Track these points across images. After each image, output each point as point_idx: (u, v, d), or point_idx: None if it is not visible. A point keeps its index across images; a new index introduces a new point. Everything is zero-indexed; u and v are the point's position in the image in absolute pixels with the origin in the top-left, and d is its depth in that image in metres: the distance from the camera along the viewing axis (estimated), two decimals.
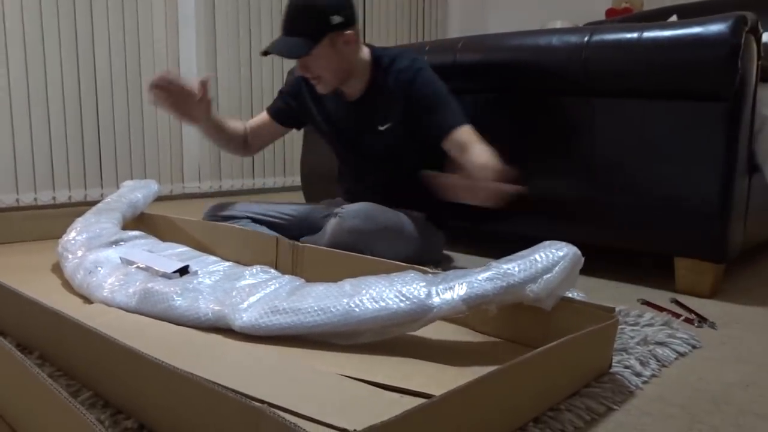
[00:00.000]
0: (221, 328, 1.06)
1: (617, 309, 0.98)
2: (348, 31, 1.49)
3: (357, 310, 0.96)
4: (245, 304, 1.05)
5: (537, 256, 0.97)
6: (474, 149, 1.44)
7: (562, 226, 1.63)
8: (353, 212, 1.44)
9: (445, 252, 1.82)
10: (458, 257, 1.83)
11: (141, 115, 3.01)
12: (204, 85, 1.51)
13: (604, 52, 1.49)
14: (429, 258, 1.64)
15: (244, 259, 1.47)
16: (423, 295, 0.95)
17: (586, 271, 1.01)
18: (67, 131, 2.78)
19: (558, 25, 3.54)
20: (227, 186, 3.36)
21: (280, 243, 1.45)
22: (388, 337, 0.98)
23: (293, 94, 1.73)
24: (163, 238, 1.65)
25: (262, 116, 1.78)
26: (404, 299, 0.95)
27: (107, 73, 2.88)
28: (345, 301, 0.98)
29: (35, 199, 2.70)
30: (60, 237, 1.51)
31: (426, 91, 1.52)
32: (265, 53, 1.48)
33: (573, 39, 1.54)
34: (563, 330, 0.94)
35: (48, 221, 1.93)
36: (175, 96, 1.50)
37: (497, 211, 1.80)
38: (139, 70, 2.98)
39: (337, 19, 1.45)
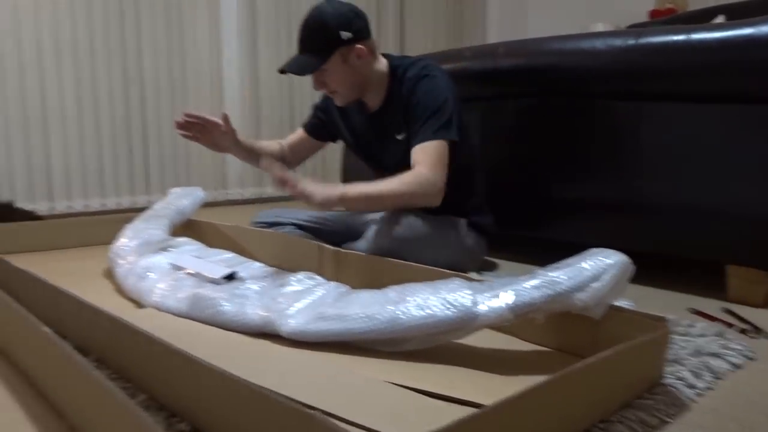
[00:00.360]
0: (268, 334, 1.08)
1: (668, 318, 0.96)
2: (359, 45, 1.50)
3: (403, 317, 0.97)
4: (292, 310, 1.07)
5: (585, 264, 0.95)
6: (413, 169, 1.44)
7: (607, 233, 1.60)
8: (395, 220, 1.45)
9: (487, 258, 1.81)
10: (500, 263, 1.82)
11: None
12: (226, 118, 1.59)
13: (651, 55, 1.46)
14: (471, 264, 1.63)
15: (288, 265, 1.49)
16: (469, 303, 0.95)
17: (632, 278, 0.99)
18: (116, 141, 2.87)
19: (599, 27, 3.48)
20: (269, 192, 3.41)
21: (323, 249, 1.46)
22: (434, 344, 0.98)
23: (323, 108, 1.76)
24: (210, 244, 1.69)
25: (298, 132, 1.82)
26: (450, 307, 0.95)
27: (154, 86, 2.96)
28: (391, 308, 0.98)
29: (86, 206, 2.80)
30: (110, 243, 1.56)
31: (417, 99, 1.51)
32: (282, 72, 1.52)
33: (618, 42, 1.52)
34: (612, 339, 0.93)
35: (98, 227, 1.99)
36: (202, 131, 1.60)
37: (541, 217, 1.79)
38: (183, 81, 3.06)
39: (346, 34, 1.48)
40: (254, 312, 1.09)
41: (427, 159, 1.45)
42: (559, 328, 1.04)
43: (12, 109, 2.60)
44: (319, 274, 1.37)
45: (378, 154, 1.68)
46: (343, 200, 1.37)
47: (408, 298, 0.99)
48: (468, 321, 0.94)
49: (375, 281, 1.29)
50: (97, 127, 2.81)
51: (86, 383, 0.71)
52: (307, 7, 1.52)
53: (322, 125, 1.78)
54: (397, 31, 3.94)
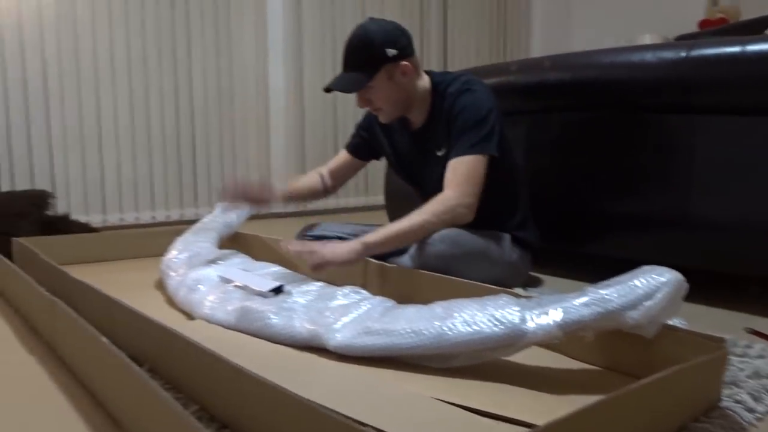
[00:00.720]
0: (315, 347, 1.09)
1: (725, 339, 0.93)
2: (404, 62, 1.51)
3: (450, 333, 0.96)
4: (339, 324, 1.08)
5: (637, 282, 0.93)
6: (440, 193, 1.44)
7: (656, 248, 1.57)
8: (439, 237, 1.44)
9: (531, 273, 1.79)
10: (546, 279, 1.79)
11: (233, 141, 3.17)
12: (265, 185, 1.66)
13: (704, 68, 1.43)
14: (516, 280, 1.61)
15: (333, 278, 1.50)
16: (517, 320, 0.94)
17: (686, 296, 0.96)
18: (166, 156, 2.97)
19: (647, 39, 3.42)
20: (312, 206, 3.45)
21: (367, 263, 1.47)
22: (481, 361, 0.97)
23: (366, 127, 1.77)
24: (256, 256, 1.72)
25: (341, 155, 1.82)
26: (498, 323, 0.94)
27: (202, 103, 3.06)
28: (437, 323, 0.98)
29: (137, 218, 2.89)
30: (161, 254, 1.60)
31: (458, 112, 1.51)
32: (327, 90, 1.54)
33: (669, 55, 1.49)
34: (665, 359, 0.91)
35: (149, 239, 2.05)
36: (247, 194, 1.66)
37: (588, 232, 1.76)
38: (231, 100, 3.15)
39: (392, 51, 1.49)
40: (301, 325, 1.11)
41: (455, 178, 1.45)
42: (610, 347, 1.02)
43: (69, 126, 2.72)
44: (364, 287, 1.37)
45: (419, 172, 1.68)
46: (367, 249, 1.39)
47: (455, 314, 0.99)
48: (516, 338, 0.93)
49: (420, 296, 1.29)
50: (148, 143, 2.92)
51: (143, 393, 0.73)
52: (351, 21, 1.55)
53: (365, 144, 1.78)
54: (440, 45, 3.95)
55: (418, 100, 1.58)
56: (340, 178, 1.84)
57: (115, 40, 2.79)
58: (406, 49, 1.52)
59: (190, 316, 1.31)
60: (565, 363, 1.06)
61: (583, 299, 0.93)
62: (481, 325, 0.95)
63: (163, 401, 0.68)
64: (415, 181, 1.73)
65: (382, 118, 1.61)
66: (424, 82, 1.59)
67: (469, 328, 0.96)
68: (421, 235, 1.44)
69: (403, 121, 1.65)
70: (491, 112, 1.50)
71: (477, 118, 1.49)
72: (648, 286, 0.92)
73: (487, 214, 1.51)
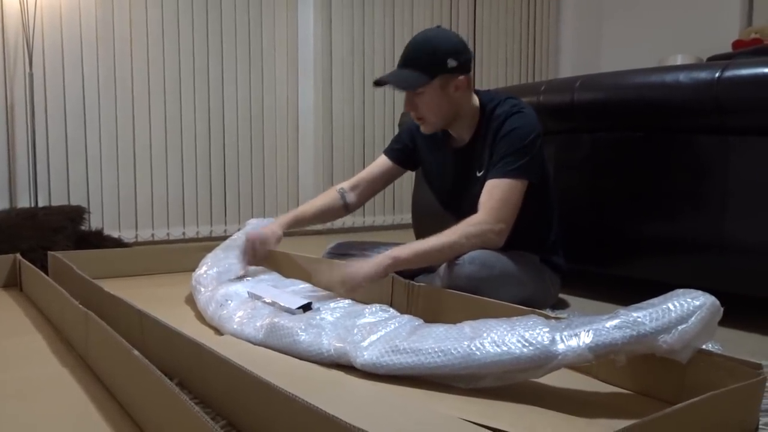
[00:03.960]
0: (342, 365, 1.09)
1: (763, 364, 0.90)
2: (461, 77, 1.50)
3: (478, 353, 0.95)
4: (366, 342, 1.07)
5: (670, 305, 0.92)
6: (473, 216, 1.44)
7: (690, 272, 1.54)
8: (469, 258, 1.43)
9: (560, 295, 1.76)
10: (574, 301, 1.77)
11: (262, 159, 3.22)
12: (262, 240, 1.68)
13: (739, 88, 1.41)
14: (543, 301, 1.59)
15: (361, 296, 1.50)
16: (547, 341, 0.93)
17: (720, 320, 0.94)
18: (197, 174, 3.04)
19: (679, 59, 3.39)
20: (339, 224, 3.47)
21: (395, 281, 1.47)
22: (510, 382, 0.96)
23: (410, 134, 1.74)
24: (284, 273, 1.73)
25: (380, 161, 1.78)
26: (527, 344, 0.93)
27: (233, 122, 3.13)
28: (466, 343, 0.98)
29: (168, 234, 2.95)
30: (191, 270, 1.63)
31: (504, 133, 1.50)
32: (378, 83, 1.53)
33: (703, 75, 1.48)
34: (700, 385, 0.89)
35: (180, 255, 2.08)
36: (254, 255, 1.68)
37: (617, 254, 1.73)
38: (261, 119, 3.21)
39: (452, 62, 1.47)
40: (329, 343, 1.11)
41: (489, 202, 1.44)
42: (643, 371, 1.00)
43: (105, 145, 2.81)
44: (391, 306, 1.37)
45: (455, 189, 1.66)
46: (396, 264, 1.39)
47: (483, 334, 0.98)
48: (545, 359, 0.92)
49: (447, 315, 1.28)
50: (180, 161, 2.99)
51: (173, 407, 0.74)
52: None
53: (407, 151, 1.75)
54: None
55: (465, 117, 1.57)
56: (369, 189, 1.78)
57: (151, 61, 2.87)
58: (465, 65, 1.51)
59: (219, 332, 1.32)
60: (596, 386, 1.04)
61: (615, 322, 0.92)
62: (510, 345, 0.94)
63: (192, 415, 0.69)
64: (448, 198, 1.71)
65: (424, 129, 1.58)
66: (474, 100, 1.58)
67: (497, 349, 0.95)
68: (450, 256, 1.44)
69: (446, 138, 1.65)
70: (537, 138, 1.49)
71: (523, 142, 1.47)
72: (682, 310, 0.90)
73: (522, 236, 1.50)
